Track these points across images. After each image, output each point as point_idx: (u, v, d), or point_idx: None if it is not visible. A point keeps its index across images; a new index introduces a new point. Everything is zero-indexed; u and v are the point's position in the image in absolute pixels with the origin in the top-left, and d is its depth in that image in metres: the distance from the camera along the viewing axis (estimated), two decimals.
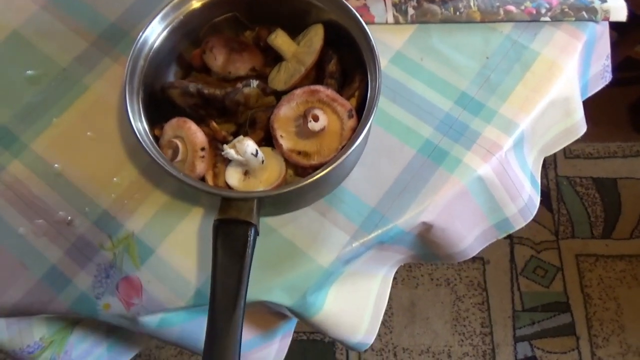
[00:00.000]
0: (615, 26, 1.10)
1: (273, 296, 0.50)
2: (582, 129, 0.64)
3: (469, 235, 0.59)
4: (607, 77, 0.68)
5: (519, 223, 0.60)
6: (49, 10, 0.62)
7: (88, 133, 0.56)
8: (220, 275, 0.42)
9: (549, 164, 1.44)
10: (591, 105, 1.51)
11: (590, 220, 1.38)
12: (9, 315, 0.51)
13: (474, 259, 1.35)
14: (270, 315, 0.63)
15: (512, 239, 1.37)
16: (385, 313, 1.25)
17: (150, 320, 0.51)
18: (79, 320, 0.60)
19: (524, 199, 0.58)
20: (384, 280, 0.64)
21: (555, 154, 1.43)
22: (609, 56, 0.66)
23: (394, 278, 1.30)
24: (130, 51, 0.48)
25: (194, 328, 0.54)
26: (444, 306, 1.31)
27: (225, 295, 0.42)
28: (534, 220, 1.46)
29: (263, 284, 0.50)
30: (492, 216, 0.58)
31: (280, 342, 0.67)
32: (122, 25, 0.60)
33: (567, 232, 1.37)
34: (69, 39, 0.60)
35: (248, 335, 0.62)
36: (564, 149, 1.42)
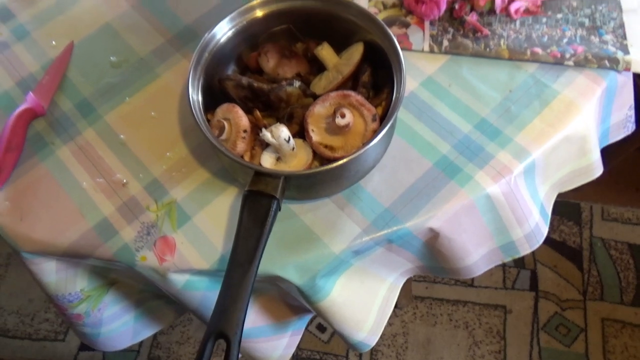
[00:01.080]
0: None
1: (286, 272, 0.56)
2: (598, 171, 0.67)
3: (474, 252, 0.63)
4: (630, 127, 0.71)
5: (525, 249, 0.64)
6: (137, 9, 0.73)
7: (152, 113, 0.66)
8: (242, 237, 0.49)
9: (585, 223, 1.44)
10: (635, 171, 1.51)
11: (621, 286, 1.35)
12: (62, 255, 0.59)
13: (495, 306, 1.35)
14: (285, 306, 0.68)
15: (537, 292, 1.36)
16: (400, 346, 1.27)
17: (178, 279, 0.58)
18: (115, 282, 0.68)
19: (531, 225, 0.62)
20: (392, 287, 0.68)
21: (592, 215, 1.43)
22: (632, 107, 0.69)
23: (413, 312, 1.32)
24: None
25: (214, 298, 0.59)
26: (460, 349, 1.31)
27: (244, 255, 0.48)
28: (562, 276, 1.44)
29: (279, 260, 0.56)
30: (498, 237, 0.62)
31: (290, 337, 0.71)
32: (195, 28, 0.71)
33: (595, 293, 1.35)
34: (150, 34, 0.71)
35: (261, 321, 0.67)
36: (602, 210, 1.43)
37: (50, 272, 0.62)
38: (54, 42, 0.71)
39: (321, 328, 1.29)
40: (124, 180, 0.61)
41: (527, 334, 1.32)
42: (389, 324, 1.34)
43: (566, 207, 1.43)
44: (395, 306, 1.32)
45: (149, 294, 0.71)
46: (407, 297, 1.34)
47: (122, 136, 0.64)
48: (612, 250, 1.40)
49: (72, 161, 0.63)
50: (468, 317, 1.35)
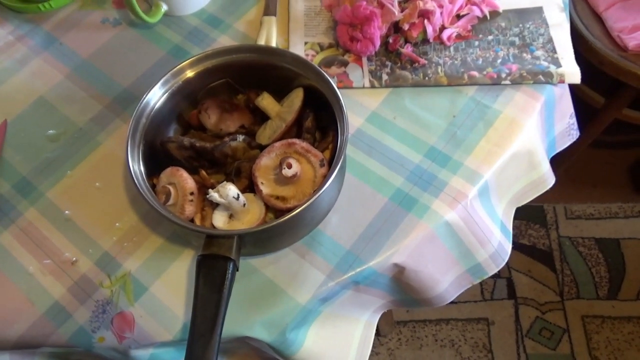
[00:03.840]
0: (602, 91, 1.17)
1: (254, 332, 0.54)
2: (550, 181, 0.68)
3: (443, 280, 0.62)
4: (574, 135, 0.73)
5: (492, 268, 0.64)
6: (70, 78, 0.71)
7: (96, 184, 0.63)
8: (200, 305, 0.47)
9: (550, 225, 1.46)
10: (591, 167, 1.56)
11: (595, 281, 1.38)
12: (13, 348, 0.56)
13: (478, 319, 1.35)
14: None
15: (516, 299, 1.37)
16: None
17: (141, 355, 0.55)
18: None
19: (494, 245, 0.62)
20: (367, 325, 0.67)
21: (556, 215, 1.46)
22: (573, 115, 0.71)
23: (398, 339, 1.31)
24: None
25: None
26: None
27: (204, 324, 0.46)
28: (537, 280, 1.46)
29: (245, 320, 0.54)
30: (463, 261, 0.62)
31: None
32: (133, 91, 0.69)
33: (572, 292, 1.37)
34: (87, 102, 0.69)
35: None
36: (565, 209, 1.46)
37: None
38: None
39: None
40: (74, 259, 0.59)
41: (512, 343, 1.32)
42: (375, 353, 1.31)
43: (530, 210, 1.46)
44: (379, 334, 1.30)
45: None
46: (390, 323, 1.32)
47: (67, 212, 0.62)
48: (580, 247, 1.42)
49: (15, 246, 0.60)
50: (453, 335, 1.34)
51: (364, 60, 0.67)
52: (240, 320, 0.54)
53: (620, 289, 1.36)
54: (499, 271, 1.24)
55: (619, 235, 1.43)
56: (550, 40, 0.66)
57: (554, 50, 0.66)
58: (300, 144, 0.53)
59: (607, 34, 1.01)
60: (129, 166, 0.52)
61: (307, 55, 0.68)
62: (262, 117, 0.61)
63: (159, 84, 0.56)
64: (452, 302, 1.36)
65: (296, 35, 0.70)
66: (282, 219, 0.49)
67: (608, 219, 1.46)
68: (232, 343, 0.57)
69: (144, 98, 0.55)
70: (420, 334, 1.35)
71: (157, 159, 0.57)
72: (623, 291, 1.35)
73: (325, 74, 0.55)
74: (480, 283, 1.37)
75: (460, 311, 1.36)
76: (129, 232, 0.60)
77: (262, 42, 0.69)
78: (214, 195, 0.50)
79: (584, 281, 1.38)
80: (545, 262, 1.41)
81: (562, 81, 0.64)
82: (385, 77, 0.66)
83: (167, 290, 0.56)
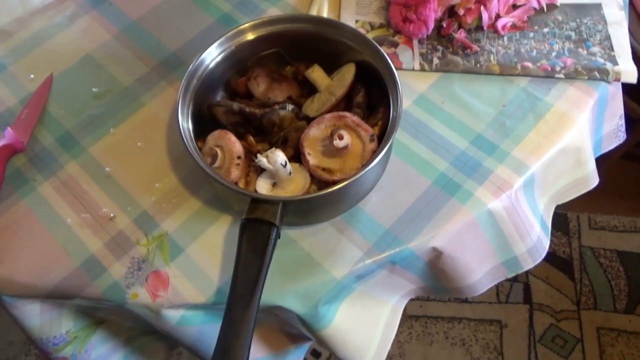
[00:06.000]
0: None
1: (287, 302, 0.54)
2: (594, 181, 0.67)
3: (478, 269, 0.61)
4: (621, 137, 0.72)
5: (528, 263, 0.63)
6: (119, 38, 0.71)
7: (138, 143, 0.63)
8: (242, 267, 0.47)
9: (573, 233, 1.44)
10: (620, 179, 1.53)
11: (613, 294, 1.36)
12: (47, 297, 0.56)
13: (491, 321, 1.34)
14: (284, 335, 0.66)
15: (531, 304, 1.35)
16: None
17: (172, 315, 0.55)
18: (102, 320, 0.65)
19: (533, 239, 0.61)
20: (394, 310, 0.66)
21: (579, 224, 1.44)
22: (622, 116, 0.70)
23: (409, 332, 1.30)
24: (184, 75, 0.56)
25: (211, 332, 0.57)
26: None
27: (245, 286, 0.46)
28: (554, 287, 1.44)
29: (279, 290, 0.54)
30: (501, 253, 0.61)
31: None
32: (181, 55, 0.69)
33: (589, 303, 1.35)
34: (133, 63, 0.69)
35: (259, 353, 0.65)
36: (589, 219, 1.43)
37: (33, 315, 0.59)
38: (32, 76, 0.69)
39: (315, 354, 1.26)
40: (111, 215, 0.59)
41: (524, 348, 1.31)
42: None
43: (554, 217, 1.43)
44: None
45: (138, 330, 0.68)
46: (402, 316, 1.32)
47: (107, 169, 0.62)
48: (601, 259, 1.40)
49: (55, 197, 0.60)
50: (464, 334, 1.33)
51: (415, 42, 0.67)
52: (274, 289, 0.53)
53: (639, 304, 1.34)
54: (516, 275, 1.23)
55: None
56: (608, 38, 0.65)
57: (611, 48, 0.64)
58: (351, 117, 0.53)
59: None
60: (178, 123, 0.52)
61: None
62: (309, 89, 0.60)
63: (214, 45, 0.56)
64: (465, 301, 1.35)
65: (347, 13, 0.69)
66: (328, 190, 0.48)
67: (632, 232, 1.44)
68: (261, 313, 0.57)
69: (199, 57, 0.55)
70: (432, 330, 1.34)
71: (203, 123, 0.57)
72: None
73: (382, 50, 0.54)
74: (497, 285, 1.36)
75: (473, 311, 1.35)
76: (168, 193, 0.60)
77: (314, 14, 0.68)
78: (262, 160, 0.49)
79: (603, 293, 1.36)
80: (565, 270, 1.39)
81: (618, 79, 0.63)
82: (436, 60, 0.65)
83: (203, 253, 0.56)
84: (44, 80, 0.68)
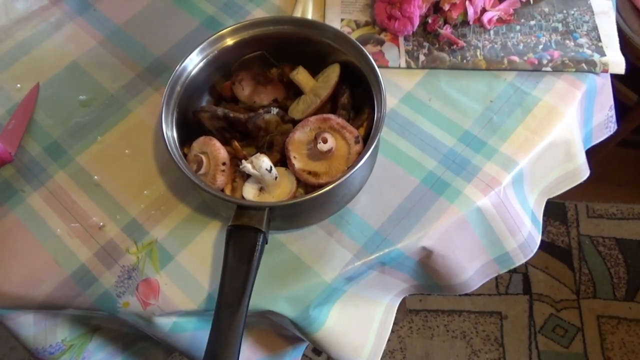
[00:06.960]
0: (636, 88, 1.13)
1: (277, 306, 0.54)
2: (585, 173, 0.67)
3: (469, 267, 0.61)
4: (612, 127, 0.71)
5: (519, 259, 0.63)
6: (104, 45, 0.71)
7: (126, 151, 0.63)
8: (229, 275, 0.46)
9: (571, 222, 1.44)
10: (617, 166, 1.53)
11: (612, 282, 1.36)
12: (39, 308, 0.56)
13: (491, 312, 1.34)
14: (279, 337, 0.66)
15: (531, 295, 1.35)
16: None
17: (164, 323, 0.55)
18: (98, 327, 0.65)
19: (524, 234, 0.61)
20: (388, 308, 0.66)
21: (577, 213, 1.43)
22: (612, 107, 0.69)
23: (409, 327, 1.30)
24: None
25: (204, 338, 0.57)
26: (459, 359, 1.29)
27: (232, 294, 0.46)
28: (554, 277, 1.44)
29: (269, 294, 0.54)
30: (492, 249, 0.61)
31: None
32: (166, 60, 0.69)
33: (588, 292, 1.35)
34: (119, 69, 0.69)
35: (255, 356, 0.65)
36: (587, 207, 1.43)
37: (27, 325, 0.59)
38: (18, 85, 0.68)
39: (317, 352, 1.26)
40: (101, 223, 0.59)
41: (524, 339, 1.31)
42: None
43: (551, 207, 1.44)
44: None
45: (135, 336, 0.68)
46: (402, 311, 1.32)
47: (96, 177, 0.62)
48: (600, 247, 1.40)
49: (44, 208, 0.60)
50: (465, 327, 1.33)
51: (401, 40, 0.66)
52: (264, 294, 0.53)
53: (638, 291, 1.34)
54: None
55: None
56: (595, 28, 0.64)
57: (598, 39, 0.64)
58: (336, 119, 0.52)
59: None
60: (162, 132, 0.52)
61: None
62: (295, 91, 0.60)
63: (196, 51, 0.56)
64: (465, 294, 1.35)
65: (332, 12, 0.69)
66: (314, 194, 0.48)
67: (631, 219, 1.43)
68: (253, 317, 0.57)
69: (181, 64, 0.55)
70: (432, 323, 1.34)
71: (188, 129, 0.57)
72: None
73: (365, 50, 0.54)
74: (496, 277, 1.36)
75: (473, 303, 1.35)
76: (157, 200, 0.60)
77: (297, 16, 0.68)
78: (247, 166, 0.49)
79: (602, 281, 1.36)
80: (564, 259, 1.39)
81: (606, 71, 0.62)
82: (422, 57, 0.64)
83: (193, 260, 0.56)
84: (30, 90, 0.67)
